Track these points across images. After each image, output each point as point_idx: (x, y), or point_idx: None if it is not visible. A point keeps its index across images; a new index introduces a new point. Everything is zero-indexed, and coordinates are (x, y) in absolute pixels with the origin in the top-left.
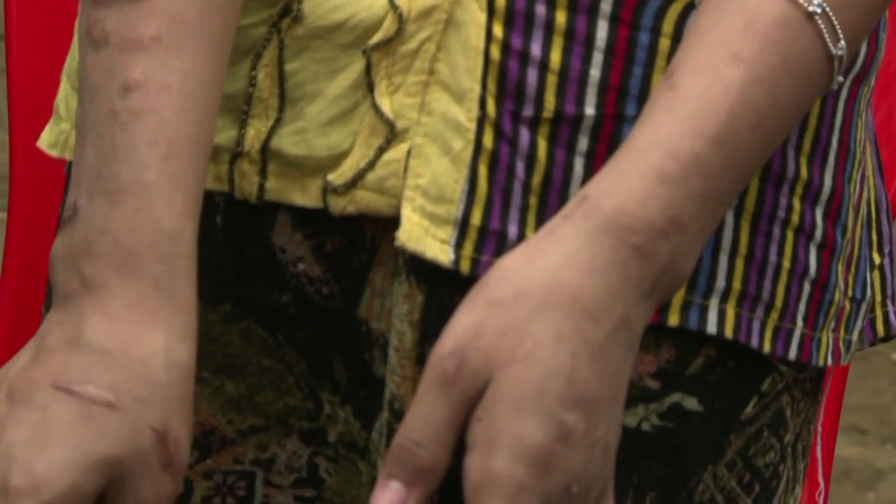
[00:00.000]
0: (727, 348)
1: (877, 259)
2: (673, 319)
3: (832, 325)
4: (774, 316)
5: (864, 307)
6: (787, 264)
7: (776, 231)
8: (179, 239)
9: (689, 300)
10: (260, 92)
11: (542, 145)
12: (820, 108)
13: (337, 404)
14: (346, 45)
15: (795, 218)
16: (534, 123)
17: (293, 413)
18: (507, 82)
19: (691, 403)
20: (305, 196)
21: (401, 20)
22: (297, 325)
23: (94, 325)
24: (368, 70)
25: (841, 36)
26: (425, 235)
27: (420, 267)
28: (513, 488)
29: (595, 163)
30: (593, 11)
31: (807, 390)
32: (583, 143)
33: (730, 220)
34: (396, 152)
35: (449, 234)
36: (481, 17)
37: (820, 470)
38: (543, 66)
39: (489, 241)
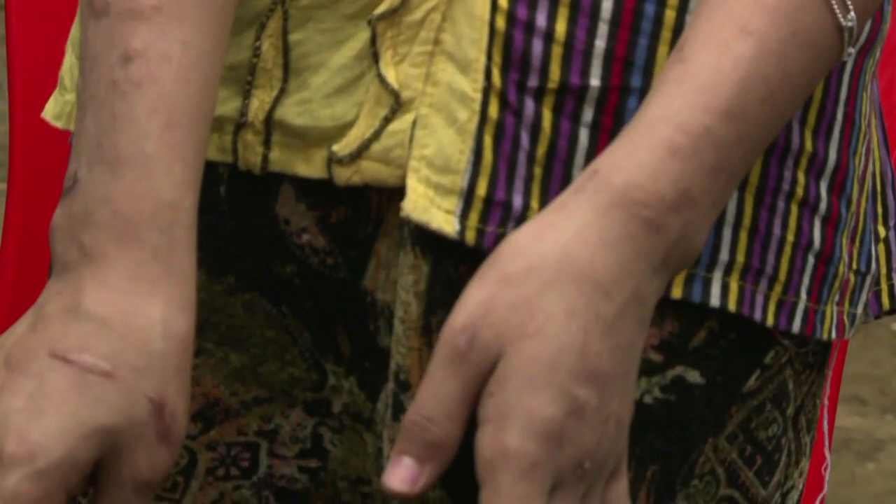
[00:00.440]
0: (730, 321)
1: (882, 232)
2: (676, 292)
3: (836, 298)
4: (778, 289)
5: (868, 280)
6: (791, 237)
7: (780, 204)
8: (179, 209)
9: (693, 273)
10: (264, 62)
11: (547, 116)
12: (825, 81)
13: (341, 375)
14: (351, 15)
15: (800, 191)
16: (539, 94)
17: (297, 384)
18: (512, 53)
19: (693, 376)
20: (310, 167)
21: None
22: (301, 296)
23: (92, 294)
24: (373, 40)
25: (851, 7)
26: (430, 206)
27: (425, 237)
28: (525, 464)
29: (600, 134)
30: None
31: (810, 364)
32: (588, 114)
33: (734, 193)
34: (402, 122)
35: (454, 204)
36: None
37: (826, 444)
38: (549, 36)
39: (494, 211)
